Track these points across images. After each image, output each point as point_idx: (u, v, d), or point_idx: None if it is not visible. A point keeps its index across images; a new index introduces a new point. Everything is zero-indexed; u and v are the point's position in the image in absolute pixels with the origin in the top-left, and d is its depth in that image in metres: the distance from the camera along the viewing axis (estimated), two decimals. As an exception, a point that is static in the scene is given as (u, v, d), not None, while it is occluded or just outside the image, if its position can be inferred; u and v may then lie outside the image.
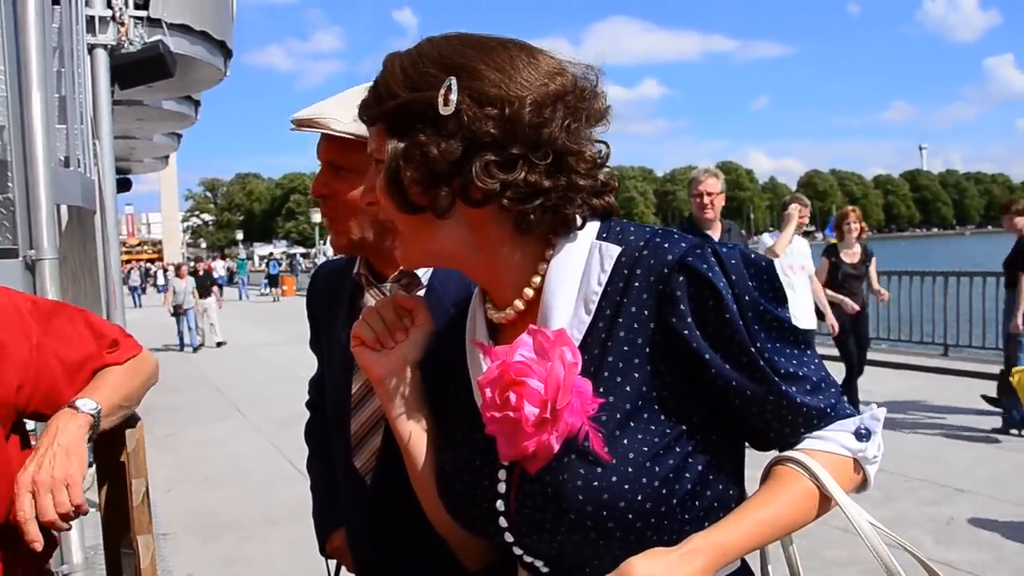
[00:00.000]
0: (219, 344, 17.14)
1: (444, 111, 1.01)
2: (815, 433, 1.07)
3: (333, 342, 1.59)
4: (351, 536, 1.63)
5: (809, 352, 1.08)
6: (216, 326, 17.47)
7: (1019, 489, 5.29)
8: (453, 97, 1.01)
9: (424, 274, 1.47)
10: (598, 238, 1.09)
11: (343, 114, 1.37)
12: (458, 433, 1.16)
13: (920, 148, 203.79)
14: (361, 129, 1.34)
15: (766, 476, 1.07)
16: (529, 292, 1.10)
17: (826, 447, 1.06)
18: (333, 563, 1.86)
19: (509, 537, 1.08)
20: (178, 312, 16.74)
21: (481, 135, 1.01)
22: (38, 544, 1.35)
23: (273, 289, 34.20)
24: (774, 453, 1.09)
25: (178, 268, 19.20)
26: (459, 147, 1.01)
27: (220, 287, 20.46)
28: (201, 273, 19.03)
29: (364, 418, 1.52)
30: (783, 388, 1.04)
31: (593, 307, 1.06)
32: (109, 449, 1.70)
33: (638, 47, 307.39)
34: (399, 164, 1.04)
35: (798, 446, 1.07)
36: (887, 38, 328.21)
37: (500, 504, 1.08)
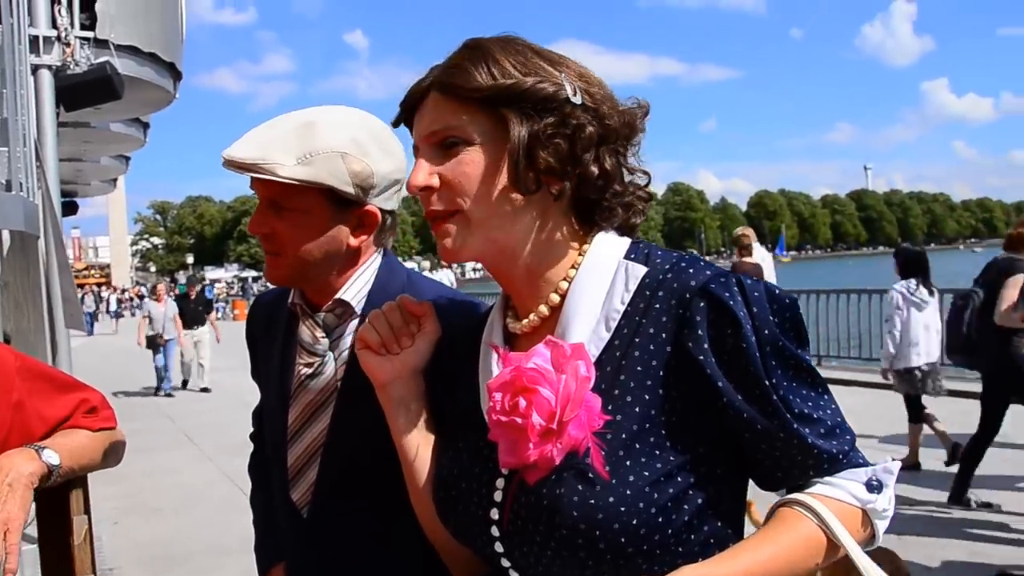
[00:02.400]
0: (203, 390, 13.13)
1: (575, 99, 1.03)
2: (825, 479, 1.04)
3: (270, 372, 1.55)
4: (290, 571, 1.58)
5: (827, 397, 1.05)
6: (206, 366, 13.34)
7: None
8: (580, 88, 1.05)
9: (357, 303, 1.45)
10: (626, 257, 1.09)
11: (286, 157, 1.32)
12: (460, 440, 1.15)
13: (865, 168, 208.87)
14: (307, 173, 1.32)
15: (770, 516, 1.05)
16: (555, 298, 1.10)
17: (835, 494, 1.03)
18: None
19: (499, 547, 1.06)
20: (155, 344, 12.83)
21: (608, 129, 1.06)
22: None
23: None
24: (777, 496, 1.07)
25: (155, 289, 15.29)
26: (596, 134, 1.05)
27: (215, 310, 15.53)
28: (193, 295, 13.96)
29: (300, 450, 1.48)
30: (795, 427, 1.01)
31: (613, 325, 1.05)
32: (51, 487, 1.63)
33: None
34: (532, 144, 1.03)
35: (806, 490, 1.04)
36: (829, 62, 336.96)
37: (495, 512, 1.07)
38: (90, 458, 1.57)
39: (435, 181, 1.07)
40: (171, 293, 14.18)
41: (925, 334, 6.38)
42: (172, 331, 12.94)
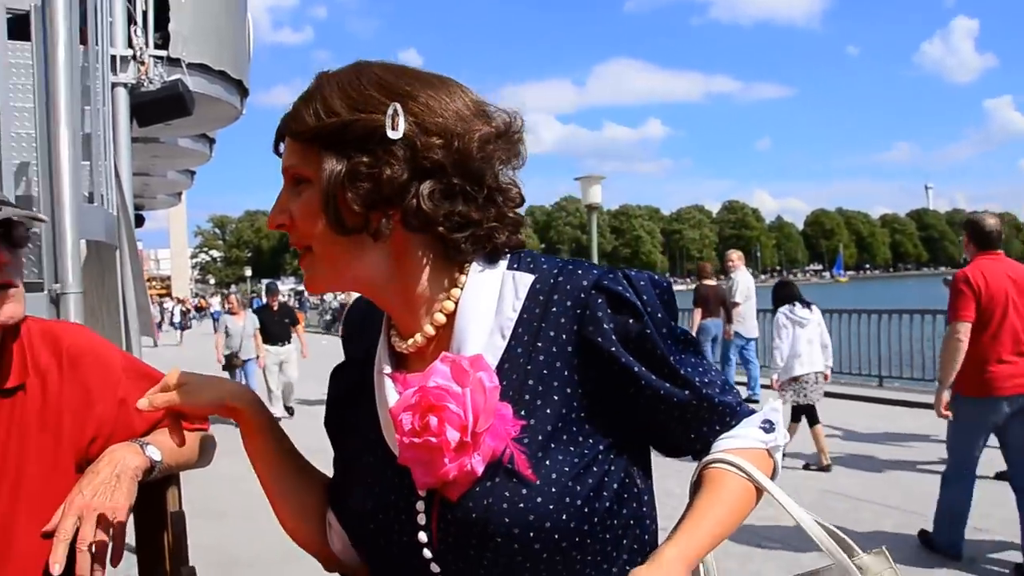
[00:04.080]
0: (288, 410, 11.20)
1: (392, 135, 1.02)
2: (729, 433, 1.15)
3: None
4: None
5: (706, 360, 1.16)
6: (294, 385, 11.34)
7: None
8: (401, 122, 1.03)
9: None
10: (509, 268, 1.12)
11: None
12: (366, 471, 1.16)
13: (926, 187, 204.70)
14: None
15: (698, 481, 1.13)
16: (440, 318, 1.11)
17: (743, 444, 1.14)
18: None
19: (435, 568, 1.08)
20: (232, 364, 10.99)
21: (428, 163, 1.04)
22: (58, 567, 1.33)
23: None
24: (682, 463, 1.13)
25: (227, 299, 12.90)
26: (405, 172, 1.03)
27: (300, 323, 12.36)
28: (276, 307, 11.69)
29: None
30: (704, 392, 1.12)
31: (508, 333, 1.08)
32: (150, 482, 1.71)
33: (641, 88, 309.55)
34: (341, 184, 1.04)
35: (717, 447, 1.14)
36: (886, 79, 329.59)
37: (423, 536, 1.08)
38: (186, 456, 1.63)
39: (286, 219, 1.10)
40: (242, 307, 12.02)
41: (808, 347, 7.29)
42: (251, 350, 11.05)
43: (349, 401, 1.25)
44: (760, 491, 1.12)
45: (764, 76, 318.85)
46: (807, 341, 7.32)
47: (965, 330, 4.65)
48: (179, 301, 43.32)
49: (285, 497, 1.27)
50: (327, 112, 1.05)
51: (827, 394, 8.00)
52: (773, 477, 1.16)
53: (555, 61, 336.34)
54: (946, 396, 4.83)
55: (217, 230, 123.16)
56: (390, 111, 1.03)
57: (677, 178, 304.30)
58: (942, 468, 5.13)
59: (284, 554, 5.50)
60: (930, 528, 5.06)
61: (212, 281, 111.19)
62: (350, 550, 1.22)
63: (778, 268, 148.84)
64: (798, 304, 7.51)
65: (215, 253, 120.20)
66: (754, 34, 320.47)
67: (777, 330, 7.45)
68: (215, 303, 43.92)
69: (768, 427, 1.16)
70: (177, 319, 36.22)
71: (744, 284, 10.96)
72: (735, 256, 11.24)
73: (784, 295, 7.74)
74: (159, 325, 33.30)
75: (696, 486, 1.13)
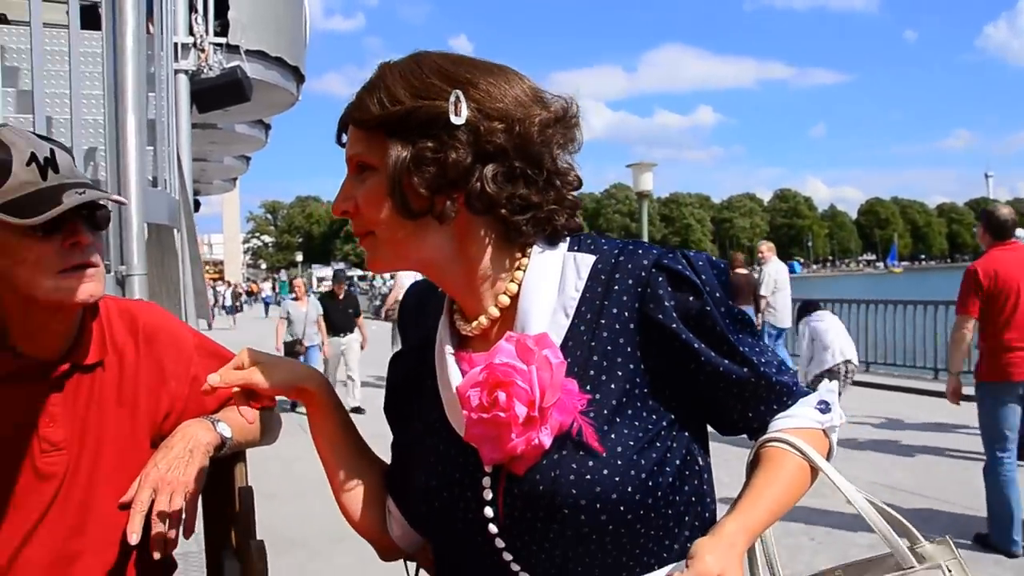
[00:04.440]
0: (354, 410, 9.54)
1: (455, 120, 1.06)
2: (786, 412, 1.17)
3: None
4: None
5: (762, 341, 1.19)
6: (356, 380, 10.51)
7: None
8: (464, 108, 1.06)
9: None
10: (570, 250, 1.16)
11: None
12: (429, 452, 1.19)
13: (986, 176, 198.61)
14: None
15: (755, 460, 1.16)
16: (505, 300, 1.15)
17: (800, 423, 1.16)
18: (412, 565, 1.88)
19: (500, 543, 1.10)
20: (293, 352, 10.37)
21: (491, 146, 1.07)
22: (135, 536, 1.39)
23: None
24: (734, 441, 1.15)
25: (291, 284, 12.55)
26: (469, 156, 1.06)
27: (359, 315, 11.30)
28: (341, 295, 11.07)
29: None
30: (762, 370, 1.14)
31: (571, 312, 1.12)
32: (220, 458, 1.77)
33: (692, 74, 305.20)
34: (407, 169, 1.07)
35: (774, 426, 1.17)
36: (946, 65, 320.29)
37: (488, 511, 1.10)
38: (254, 434, 1.68)
39: (350, 206, 1.13)
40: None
41: (836, 339, 7.77)
42: (315, 336, 10.70)
43: (408, 387, 1.28)
44: (815, 471, 1.14)
45: (818, 62, 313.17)
46: (834, 334, 7.81)
47: (968, 324, 5.00)
48: (230, 285, 43.81)
49: (347, 480, 1.30)
50: (391, 100, 1.08)
51: (881, 386, 8.01)
52: (829, 458, 1.18)
53: (605, 47, 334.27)
54: (956, 384, 5.20)
55: (269, 215, 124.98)
56: (452, 97, 1.06)
57: (728, 166, 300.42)
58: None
59: (333, 535, 5.62)
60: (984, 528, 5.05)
61: (263, 266, 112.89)
62: (409, 536, 1.26)
63: (830, 258, 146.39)
64: (815, 312, 8.08)
65: (267, 238, 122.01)
66: (809, 18, 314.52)
67: (799, 340, 8.08)
68: (266, 288, 44.38)
69: (824, 408, 1.19)
70: (229, 303, 36.57)
71: (772, 276, 10.95)
72: (765, 248, 11.28)
73: (804, 308, 8.35)
74: (212, 309, 33.74)
75: (753, 465, 1.16)
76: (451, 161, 1.06)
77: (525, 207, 1.10)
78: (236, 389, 1.25)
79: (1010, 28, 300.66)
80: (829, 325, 7.92)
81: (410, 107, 1.07)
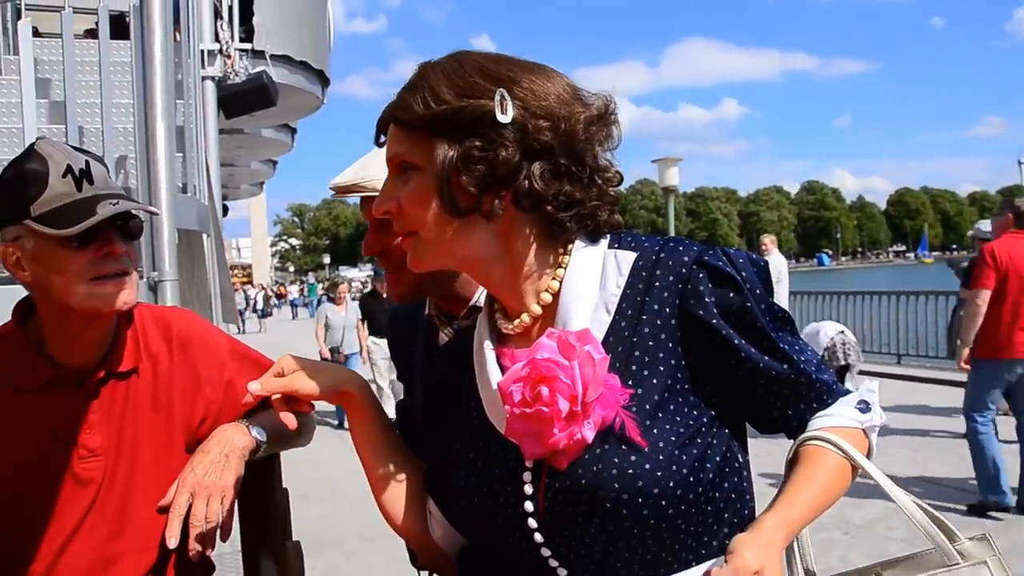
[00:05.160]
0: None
1: (502, 118, 1.06)
2: (825, 411, 1.17)
3: (414, 379, 1.59)
4: None
5: (802, 340, 1.18)
6: (392, 387, 9.30)
7: None
8: (510, 106, 1.06)
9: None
10: (610, 247, 1.16)
11: (383, 171, 1.38)
12: (468, 449, 1.20)
13: (1019, 163, 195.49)
14: None
15: (795, 458, 1.15)
16: (548, 297, 1.15)
17: (840, 422, 1.16)
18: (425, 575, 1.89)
19: (539, 538, 1.10)
20: (334, 360, 9.48)
21: (538, 144, 1.07)
22: (174, 540, 1.42)
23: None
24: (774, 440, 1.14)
25: (332, 289, 11.57)
26: (517, 154, 1.07)
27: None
28: (386, 295, 9.17)
29: None
30: (802, 367, 1.14)
31: (613, 308, 1.12)
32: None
33: (716, 68, 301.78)
34: (455, 168, 1.07)
35: (813, 425, 1.16)
36: (975, 51, 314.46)
37: (529, 505, 1.10)
38: (288, 436, 1.69)
39: (393, 206, 1.14)
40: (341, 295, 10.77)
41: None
42: (354, 343, 10.09)
43: (443, 392, 1.30)
44: (855, 470, 1.14)
45: (844, 51, 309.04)
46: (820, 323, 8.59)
47: (984, 296, 5.31)
48: (262, 288, 44.09)
49: (388, 482, 1.31)
50: (436, 100, 1.08)
51: (914, 378, 7.98)
52: (868, 457, 1.17)
53: (627, 43, 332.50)
54: (969, 354, 5.50)
55: (296, 218, 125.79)
56: (497, 96, 1.06)
57: (753, 159, 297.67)
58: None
59: (364, 536, 5.67)
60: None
61: (291, 269, 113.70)
62: (450, 537, 1.26)
63: (859, 249, 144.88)
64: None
65: (294, 241, 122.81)
66: (833, 8, 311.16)
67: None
68: (293, 291, 44.58)
69: (864, 407, 1.18)
70: (260, 306, 36.73)
71: (776, 268, 10.79)
72: (768, 240, 11.23)
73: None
74: (242, 312, 33.88)
75: (792, 463, 1.15)
76: (500, 159, 1.06)
77: (569, 204, 1.11)
78: (277, 396, 1.26)
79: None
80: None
81: (456, 106, 1.07)
